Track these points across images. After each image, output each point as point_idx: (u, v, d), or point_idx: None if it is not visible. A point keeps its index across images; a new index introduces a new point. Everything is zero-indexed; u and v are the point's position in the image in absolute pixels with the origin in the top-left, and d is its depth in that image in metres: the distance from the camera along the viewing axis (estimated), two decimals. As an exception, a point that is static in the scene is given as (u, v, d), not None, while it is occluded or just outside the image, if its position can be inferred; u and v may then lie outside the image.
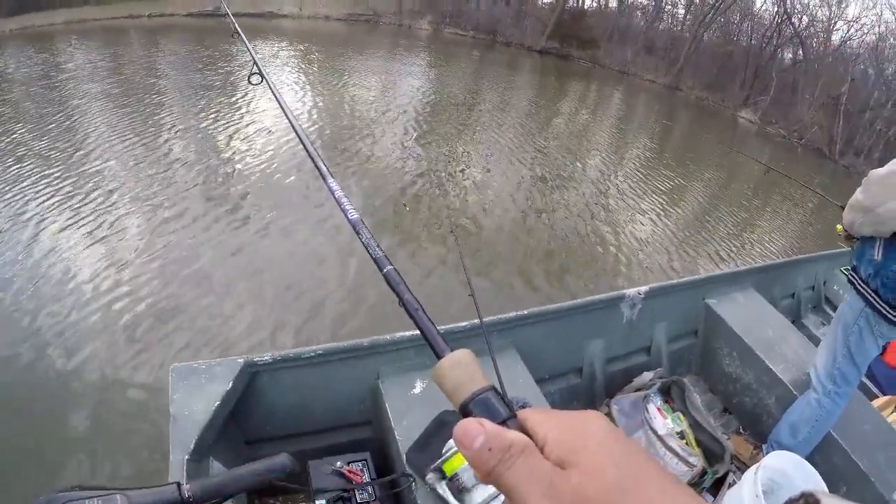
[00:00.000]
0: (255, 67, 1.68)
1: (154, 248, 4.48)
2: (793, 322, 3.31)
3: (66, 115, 6.87)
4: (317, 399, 1.96)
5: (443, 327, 2.08)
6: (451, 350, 0.47)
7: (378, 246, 0.69)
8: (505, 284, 5.16)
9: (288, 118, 1.27)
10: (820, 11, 25.48)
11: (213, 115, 7.83)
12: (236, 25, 2.12)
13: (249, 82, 1.69)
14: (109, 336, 3.53)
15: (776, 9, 26.05)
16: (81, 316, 3.66)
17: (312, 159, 1.02)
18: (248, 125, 7.72)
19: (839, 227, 2.52)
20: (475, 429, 0.36)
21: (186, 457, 1.45)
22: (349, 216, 0.80)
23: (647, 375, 2.70)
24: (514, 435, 0.36)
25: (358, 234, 0.74)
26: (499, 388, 1.39)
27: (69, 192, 5.10)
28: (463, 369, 0.44)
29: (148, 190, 5.40)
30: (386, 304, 4.11)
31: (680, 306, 2.99)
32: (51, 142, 6.04)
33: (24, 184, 5.10)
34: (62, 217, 4.69)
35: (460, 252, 2.35)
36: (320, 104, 9.63)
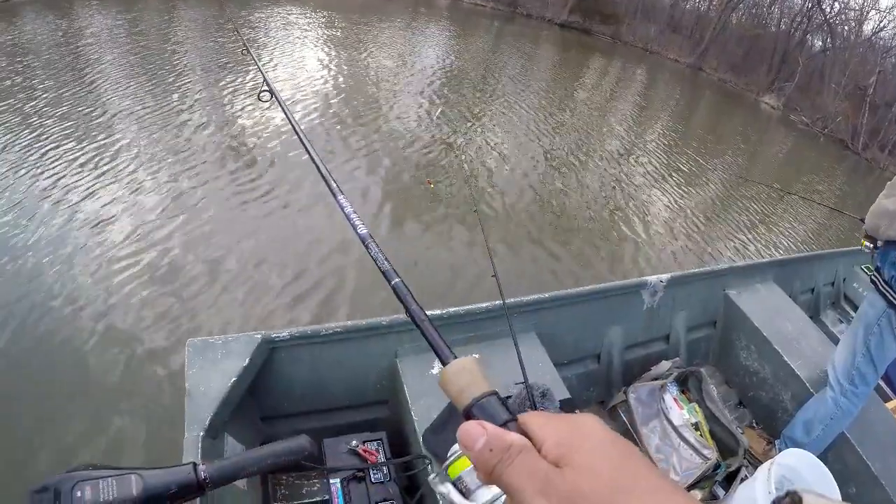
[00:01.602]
0: (265, 84, 1.68)
1: (174, 221, 4.41)
2: (811, 318, 3.27)
3: (86, 83, 6.67)
4: (334, 377, 1.94)
5: (464, 308, 2.05)
6: (455, 357, 0.49)
7: (386, 259, 0.71)
8: (527, 265, 5.10)
9: (299, 135, 1.29)
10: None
11: (234, 84, 7.67)
12: (246, 43, 2.28)
13: (259, 99, 1.69)
14: (124, 308, 3.50)
15: (807, -8, 25.38)
16: (98, 288, 3.61)
17: (323, 177, 1.06)
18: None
19: (864, 241, 2.48)
20: (477, 431, 0.39)
21: (201, 433, 1.43)
22: (358, 231, 0.83)
23: (664, 364, 2.68)
24: (513, 436, 0.38)
25: (367, 247, 0.76)
26: (525, 377, 1.39)
27: (88, 160, 5.00)
28: (466, 375, 0.46)
29: (168, 160, 5.29)
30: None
31: (700, 296, 2.95)
32: (70, 109, 5.87)
33: (45, 151, 4.98)
34: (81, 185, 4.60)
35: (483, 232, 2.31)
36: (345, 72, 9.47)
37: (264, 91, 1.66)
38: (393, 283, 0.66)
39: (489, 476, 0.38)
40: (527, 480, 0.35)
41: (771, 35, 26.80)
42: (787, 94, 22.99)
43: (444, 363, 0.49)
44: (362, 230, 0.81)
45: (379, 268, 0.70)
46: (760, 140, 15.79)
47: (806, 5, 25.77)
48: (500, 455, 0.37)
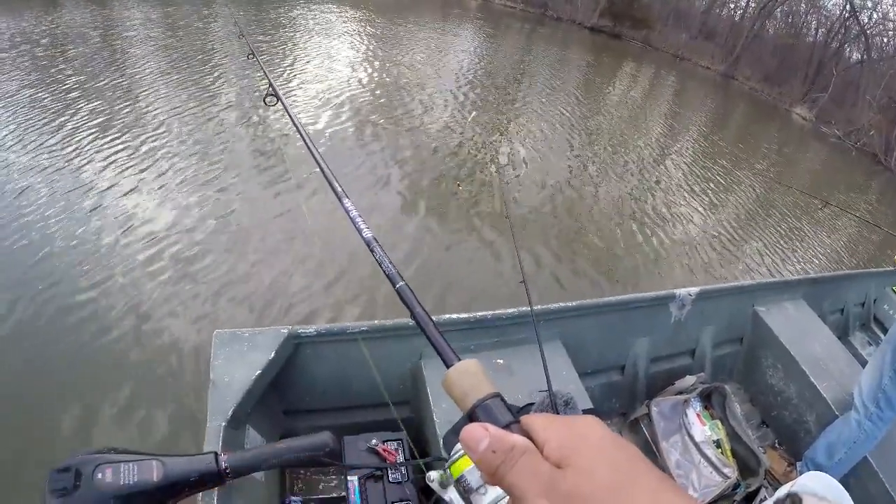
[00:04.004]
0: (270, 88, 1.71)
1: (207, 215, 4.44)
2: (839, 338, 3.20)
3: (125, 76, 6.78)
4: (357, 375, 1.93)
5: (491, 312, 2.05)
6: (459, 359, 0.49)
7: (391, 262, 0.71)
8: (552, 273, 5.06)
9: (303, 138, 1.31)
10: (892, 11, 24.23)
11: (263, 80, 7.71)
12: (252, 48, 2.36)
13: (265, 103, 1.73)
14: (151, 295, 3.53)
15: (843, 2, 24.86)
16: (128, 278, 3.63)
17: (328, 180, 1.06)
18: (304, 95, 7.64)
19: None
20: (480, 433, 0.39)
21: (224, 423, 1.44)
22: (363, 234, 0.83)
23: (689, 379, 2.64)
24: (516, 438, 0.38)
25: (372, 251, 0.77)
26: (548, 385, 1.37)
27: (123, 152, 5.05)
28: (470, 378, 0.46)
29: (204, 158, 5.32)
30: (425, 290, 4.10)
31: (728, 311, 2.91)
32: (107, 103, 5.95)
33: (81, 142, 5.04)
34: (116, 177, 4.64)
35: (514, 239, 2.30)
36: (378, 72, 9.52)
37: (270, 95, 1.69)
38: (398, 286, 0.66)
39: (492, 477, 0.38)
40: (529, 482, 0.36)
41: (806, 45, 26.34)
42: (819, 105, 22.54)
43: (447, 365, 0.49)
44: (367, 234, 0.82)
45: (384, 271, 0.71)
46: (793, 153, 15.52)
47: (843, 15, 25.28)
48: (503, 457, 0.37)
